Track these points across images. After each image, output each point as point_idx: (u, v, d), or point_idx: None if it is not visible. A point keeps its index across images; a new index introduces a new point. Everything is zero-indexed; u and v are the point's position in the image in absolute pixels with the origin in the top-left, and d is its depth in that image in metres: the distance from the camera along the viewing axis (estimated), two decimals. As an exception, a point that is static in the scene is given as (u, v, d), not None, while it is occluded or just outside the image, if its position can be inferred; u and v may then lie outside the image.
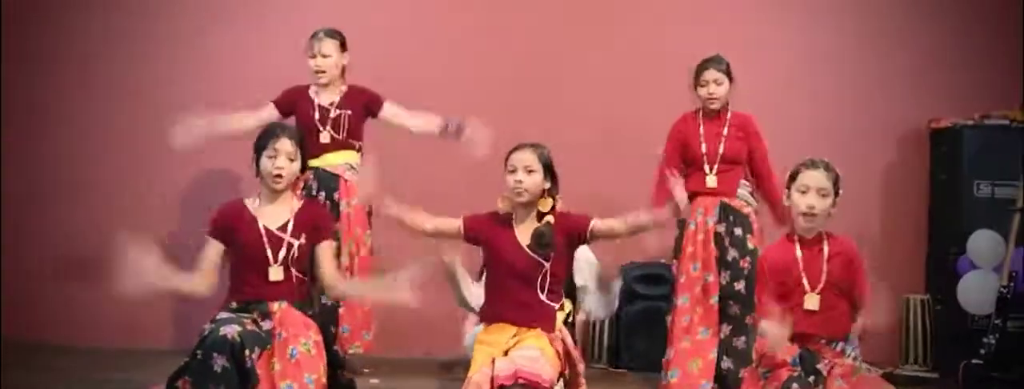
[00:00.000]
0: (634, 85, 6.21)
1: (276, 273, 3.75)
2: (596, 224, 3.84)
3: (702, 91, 4.98)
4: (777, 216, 4.84)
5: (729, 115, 5.00)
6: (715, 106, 4.97)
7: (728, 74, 4.97)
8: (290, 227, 3.80)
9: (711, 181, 4.94)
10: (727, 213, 4.93)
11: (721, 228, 4.92)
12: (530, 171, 3.86)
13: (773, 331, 3.57)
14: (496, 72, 6.21)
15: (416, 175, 5.73)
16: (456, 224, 3.91)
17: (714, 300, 4.88)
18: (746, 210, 4.95)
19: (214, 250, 3.81)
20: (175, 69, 6.15)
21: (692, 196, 4.97)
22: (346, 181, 5.09)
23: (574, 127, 6.09)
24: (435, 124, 5.10)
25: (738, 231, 4.90)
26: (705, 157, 4.94)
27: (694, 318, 4.91)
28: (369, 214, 5.14)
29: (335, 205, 5.05)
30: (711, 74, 4.95)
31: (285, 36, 6.04)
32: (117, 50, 6.16)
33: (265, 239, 3.76)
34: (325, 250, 3.85)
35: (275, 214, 3.82)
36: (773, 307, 3.65)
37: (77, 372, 5.07)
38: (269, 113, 5.08)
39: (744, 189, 4.99)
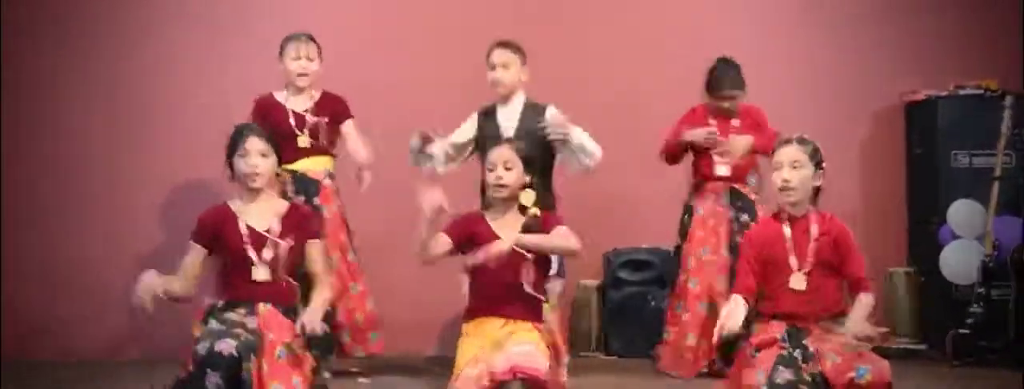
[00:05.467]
0: (615, 67, 6.21)
1: (260, 273, 3.72)
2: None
3: (719, 103, 5.09)
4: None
5: (738, 109, 5.12)
6: (731, 111, 5.11)
7: (742, 83, 5.08)
8: (277, 228, 3.77)
9: (722, 170, 5.06)
10: (735, 198, 5.05)
11: (731, 213, 5.03)
12: (509, 168, 3.87)
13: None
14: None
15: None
16: (445, 242, 3.89)
17: (721, 281, 4.96)
18: (753, 197, 5.06)
19: (196, 256, 3.78)
20: (172, 79, 6.09)
21: (702, 182, 5.13)
22: (325, 187, 5.08)
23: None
24: (361, 160, 5.14)
25: (745, 217, 5.02)
26: (716, 150, 5.06)
27: (705, 300, 5.01)
28: (345, 219, 5.15)
29: (316, 209, 5.03)
30: (730, 89, 5.06)
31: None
32: (113, 61, 6.10)
33: (248, 238, 3.74)
34: (314, 247, 3.84)
35: (259, 213, 3.80)
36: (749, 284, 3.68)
37: (64, 385, 5.03)
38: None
39: (752, 177, 5.07)
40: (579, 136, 4.74)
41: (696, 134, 5.02)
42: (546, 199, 4.66)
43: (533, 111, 4.90)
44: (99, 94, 6.07)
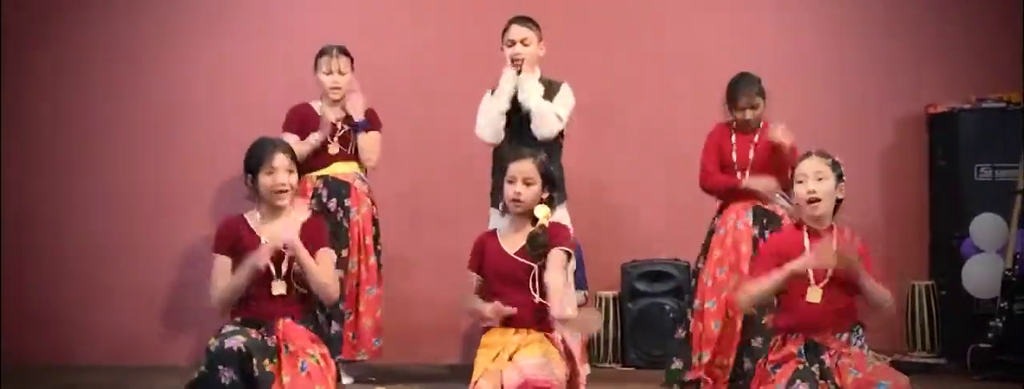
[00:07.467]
0: (635, 77, 6.20)
1: (279, 287, 3.72)
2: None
3: (737, 115, 4.98)
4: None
5: (760, 125, 4.99)
6: (751, 125, 5.00)
7: (761, 94, 4.97)
8: (297, 240, 3.72)
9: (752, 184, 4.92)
10: (760, 216, 4.92)
11: (755, 231, 4.90)
12: (529, 183, 3.85)
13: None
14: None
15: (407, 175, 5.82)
16: (478, 279, 3.92)
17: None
18: (780, 212, 4.93)
19: (225, 266, 3.75)
20: (176, 79, 6.12)
21: (724, 203, 5.02)
22: (355, 189, 5.17)
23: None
24: (365, 159, 5.23)
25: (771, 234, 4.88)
26: (736, 164, 4.96)
27: (720, 318, 4.89)
28: (376, 221, 5.24)
29: (347, 211, 5.14)
30: (746, 100, 4.94)
31: (287, 44, 6.02)
32: (118, 59, 6.13)
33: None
34: (322, 255, 3.79)
35: (277, 230, 3.76)
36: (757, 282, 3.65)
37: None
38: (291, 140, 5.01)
39: (777, 192, 4.99)
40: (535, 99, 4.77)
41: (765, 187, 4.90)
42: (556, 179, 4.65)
43: (549, 88, 4.90)
44: (100, 94, 6.10)
